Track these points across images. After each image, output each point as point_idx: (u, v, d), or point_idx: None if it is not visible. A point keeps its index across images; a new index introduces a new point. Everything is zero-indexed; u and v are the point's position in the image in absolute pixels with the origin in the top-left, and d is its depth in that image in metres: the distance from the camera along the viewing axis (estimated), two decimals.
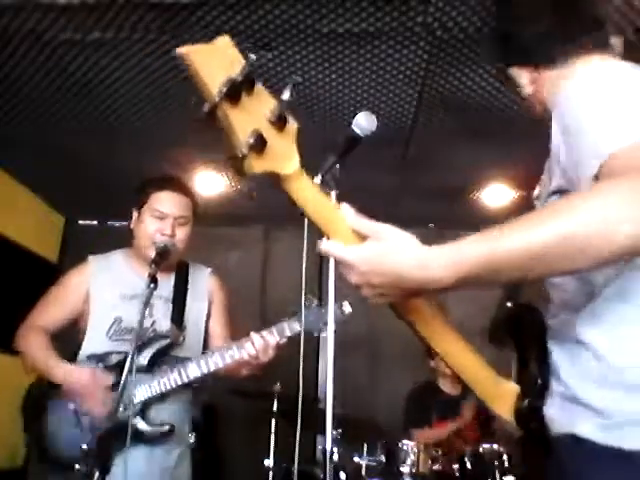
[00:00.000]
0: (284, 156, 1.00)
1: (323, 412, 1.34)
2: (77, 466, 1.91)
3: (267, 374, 2.28)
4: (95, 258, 2.28)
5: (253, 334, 2.11)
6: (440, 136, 3.21)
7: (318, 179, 1.41)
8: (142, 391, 2.07)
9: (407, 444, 2.74)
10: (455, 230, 4.54)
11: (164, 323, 2.18)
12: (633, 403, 0.93)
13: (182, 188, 2.24)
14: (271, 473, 2.86)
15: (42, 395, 2.07)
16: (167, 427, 2.14)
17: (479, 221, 4.51)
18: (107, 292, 2.17)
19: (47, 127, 3.23)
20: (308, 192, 1.04)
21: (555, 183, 1.06)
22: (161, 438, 2.11)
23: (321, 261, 1.34)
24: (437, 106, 2.90)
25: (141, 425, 2.07)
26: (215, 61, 0.93)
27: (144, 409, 2.08)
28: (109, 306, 2.14)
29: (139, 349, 2.08)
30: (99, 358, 2.09)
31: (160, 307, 2.17)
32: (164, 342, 2.14)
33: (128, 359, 1.66)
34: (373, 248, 0.96)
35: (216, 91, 0.91)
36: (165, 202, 2.16)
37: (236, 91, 0.92)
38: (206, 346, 2.32)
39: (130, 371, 1.67)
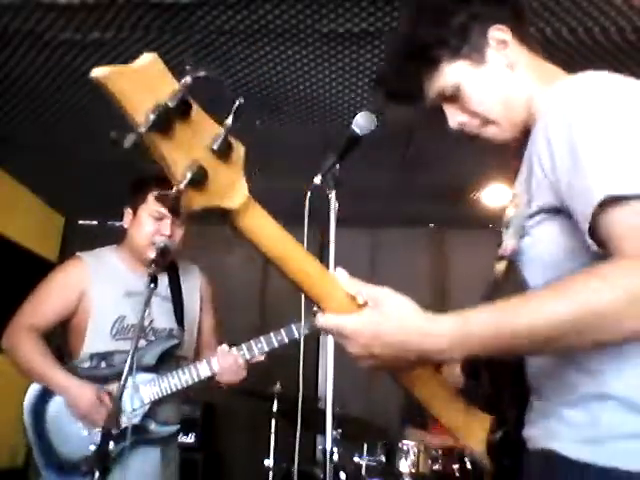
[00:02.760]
0: (229, 188, 0.88)
1: (323, 412, 1.34)
2: (84, 468, 1.93)
3: (267, 374, 2.28)
4: (87, 255, 2.21)
5: (262, 337, 2.18)
6: (440, 136, 3.20)
7: (318, 179, 1.41)
8: (152, 391, 2.07)
9: (407, 444, 2.73)
10: (455, 230, 4.58)
11: (161, 321, 2.18)
12: (617, 417, 0.90)
13: None
14: (271, 473, 2.86)
15: (44, 396, 2.03)
16: (177, 427, 2.15)
17: (479, 221, 4.53)
18: (108, 290, 2.14)
19: (47, 127, 3.23)
20: (261, 225, 0.92)
21: (543, 201, 0.98)
22: (165, 438, 2.12)
23: (321, 261, 1.34)
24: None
25: (152, 426, 2.07)
26: (140, 84, 0.79)
27: (151, 409, 2.07)
28: (111, 305, 2.12)
29: (145, 348, 2.10)
30: (102, 357, 2.07)
31: (157, 305, 2.17)
32: (172, 342, 2.15)
33: (128, 360, 1.65)
34: (372, 318, 0.90)
35: (142, 120, 0.78)
36: None
37: (167, 119, 0.80)
38: (198, 343, 2.34)
39: (130, 370, 1.66)
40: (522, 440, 1.05)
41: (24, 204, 4.24)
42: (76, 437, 1.98)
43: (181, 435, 3.88)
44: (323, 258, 1.33)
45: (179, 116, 0.82)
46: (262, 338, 2.19)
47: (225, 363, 2.11)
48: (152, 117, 0.78)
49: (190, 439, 3.94)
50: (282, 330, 2.21)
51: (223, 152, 0.86)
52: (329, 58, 2.53)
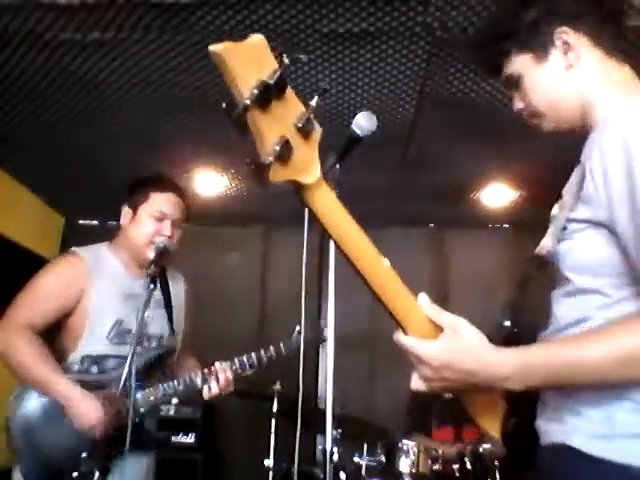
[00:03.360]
0: (306, 164, 0.96)
1: (323, 412, 1.34)
2: (75, 474, 1.88)
3: (267, 374, 2.28)
4: (84, 252, 2.15)
5: (253, 354, 2.22)
6: (440, 136, 3.21)
7: None
8: (146, 397, 2.05)
9: (407, 444, 2.73)
10: (455, 230, 4.59)
11: (155, 325, 2.15)
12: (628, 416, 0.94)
13: (180, 190, 2.23)
14: (271, 473, 2.86)
15: (32, 400, 1.98)
16: (168, 433, 2.15)
17: (479, 221, 4.52)
18: (106, 292, 2.10)
19: (47, 127, 3.23)
20: (328, 203, 1.00)
21: (591, 213, 1.02)
22: (155, 443, 2.14)
23: (321, 261, 1.34)
24: (437, 106, 2.90)
25: (148, 433, 2.08)
26: (248, 61, 0.88)
27: (143, 416, 2.06)
28: (109, 307, 2.08)
29: (139, 354, 2.05)
30: (94, 360, 2.03)
31: (151, 310, 2.15)
32: (166, 349, 2.15)
33: (127, 362, 1.65)
34: (447, 346, 0.98)
35: (248, 94, 0.86)
36: (166, 204, 2.14)
37: (268, 95, 0.89)
38: None
39: (130, 374, 1.66)
40: (535, 427, 1.09)
41: (24, 204, 4.23)
42: (67, 443, 1.94)
43: (181, 435, 3.90)
44: (323, 258, 1.33)
45: (276, 93, 0.90)
46: (253, 354, 2.22)
47: (221, 380, 2.12)
48: (256, 92, 0.86)
49: (190, 439, 3.93)
50: (271, 347, 2.26)
51: (306, 131, 0.94)
52: (329, 58, 2.53)
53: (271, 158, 0.89)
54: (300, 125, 0.93)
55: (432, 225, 4.67)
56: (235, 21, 2.29)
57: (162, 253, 2.04)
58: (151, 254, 2.03)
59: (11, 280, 3.89)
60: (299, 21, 2.28)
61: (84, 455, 1.92)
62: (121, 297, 2.11)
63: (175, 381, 2.09)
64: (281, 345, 2.27)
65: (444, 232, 4.65)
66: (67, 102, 2.98)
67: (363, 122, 1.40)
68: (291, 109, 0.93)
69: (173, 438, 3.78)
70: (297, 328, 2.36)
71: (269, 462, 2.88)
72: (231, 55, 0.86)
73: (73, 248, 2.19)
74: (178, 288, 2.33)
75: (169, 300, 2.23)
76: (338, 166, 1.42)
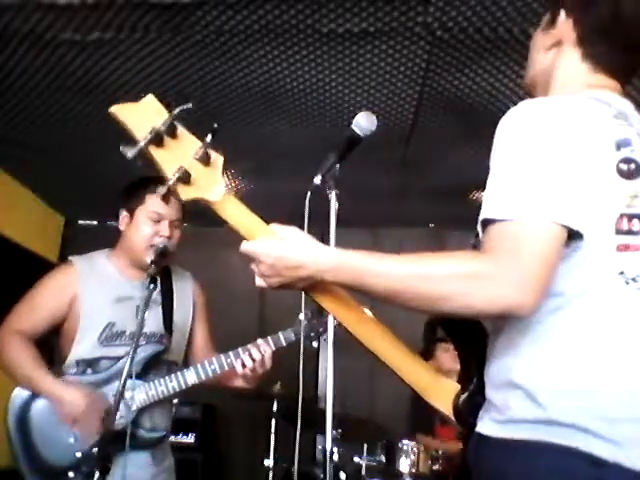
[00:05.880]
0: (209, 184, 1.18)
1: (323, 412, 1.34)
2: (71, 474, 1.90)
3: (268, 374, 2.28)
4: (79, 260, 2.19)
5: (250, 345, 2.14)
6: (440, 136, 3.21)
7: (318, 179, 1.42)
8: (139, 397, 2.04)
9: (407, 444, 2.74)
10: (455, 230, 4.59)
11: (151, 325, 2.13)
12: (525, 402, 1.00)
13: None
14: (271, 473, 2.87)
15: (29, 400, 2.01)
16: (164, 433, 2.14)
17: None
18: (97, 296, 2.11)
19: (47, 127, 3.23)
20: (238, 216, 1.21)
21: None
22: (154, 443, 2.11)
23: None
24: (437, 106, 2.90)
25: (139, 432, 2.05)
26: (140, 115, 1.15)
27: (138, 415, 2.06)
28: (100, 310, 2.09)
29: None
30: (88, 363, 2.05)
31: (148, 310, 2.14)
32: (158, 348, 2.13)
33: (127, 363, 1.64)
34: (279, 242, 1.16)
35: (141, 138, 1.12)
36: (162, 204, 2.12)
37: (159, 137, 1.13)
38: (188, 349, 2.31)
39: (129, 376, 1.65)
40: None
41: (24, 204, 4.23)
42: (62, 443, 1.96)
43: (181, 435, 3.91)
44: None
45: (169, 135, 1.15)
46: (249, 346, 2.16)
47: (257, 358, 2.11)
48: (149, 136, 1.12)
49: (190, 439, 3.94)
50: (269, 338, 2.20)
51: (203, 160, 1.17)
52: (329, 58, 2.53)
53: (171, 183, 1.14)
54: (197, 157, 1.16)
55: (432, 225, 4.67)
56: (235, 21, 2.29)
57: (162, 254, 2.05)
58: (151, 256, 2.03)
59: (11, 280, 3.90)
60: (299, 21, 2.28)
61: (79, 455, 1.94)
62: (113, 300, 2.11)
63: (167, 377, 2.08)
64: (280, 335, 2.21)
65: (444, 232, 4.64)
66: (67, 102, 2.98)
67: (363, 122, 1.40)
68: (187, 144, 1.17)
69: (173, 438, 3.79)
70: (300, 317, 2.30)
71: (269, 462, 2.89)
72: (123, 113, 1.15)
73: (70, 257, 2.23)
74: (184, 287, 2.32)
75: (169, 299, 2.23)
76: (338, 166, 1.43)
